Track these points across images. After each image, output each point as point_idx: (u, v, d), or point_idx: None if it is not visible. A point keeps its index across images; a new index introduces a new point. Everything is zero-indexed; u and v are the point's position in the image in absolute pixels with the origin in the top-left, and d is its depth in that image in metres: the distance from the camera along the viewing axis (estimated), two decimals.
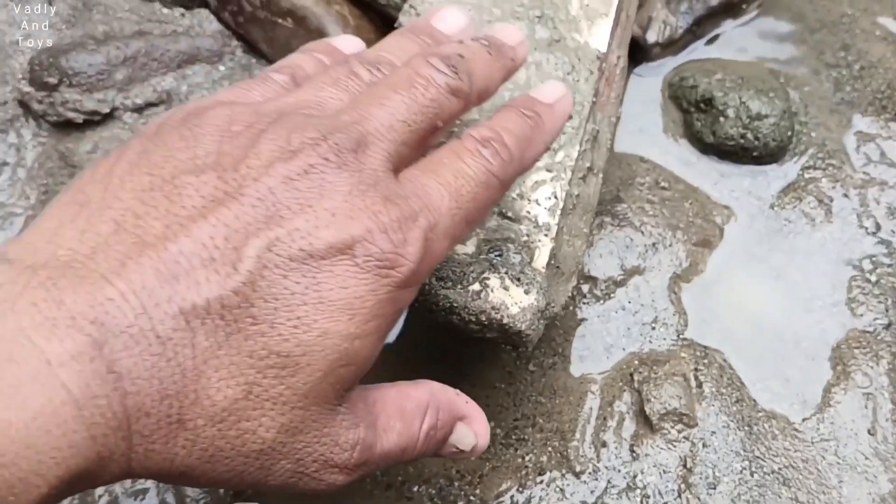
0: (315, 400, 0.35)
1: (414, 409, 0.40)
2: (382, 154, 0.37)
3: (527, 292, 0.48)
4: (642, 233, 0.65)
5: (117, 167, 0.35)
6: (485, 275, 0.48)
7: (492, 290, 0.48)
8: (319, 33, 0.65)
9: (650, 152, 0.69)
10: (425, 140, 0.40)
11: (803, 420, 0.60)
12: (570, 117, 0.51)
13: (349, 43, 0.47)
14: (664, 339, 0.62)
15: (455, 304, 0.48)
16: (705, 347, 0.62)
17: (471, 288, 0.48)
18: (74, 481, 0.30)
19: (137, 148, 0.36)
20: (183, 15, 0.69)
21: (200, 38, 0.69)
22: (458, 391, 0.44)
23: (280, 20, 0.66)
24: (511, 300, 0.48)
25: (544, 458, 0.58)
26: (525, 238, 0.50)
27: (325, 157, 0.35)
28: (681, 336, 0.62)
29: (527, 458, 0.58)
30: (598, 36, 0.57)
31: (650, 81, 0.72)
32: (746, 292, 0.64)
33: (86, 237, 0.32)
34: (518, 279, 0.48)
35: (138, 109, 0.67)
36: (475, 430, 0.44)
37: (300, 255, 0.33)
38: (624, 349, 0.62)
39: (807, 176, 0.68)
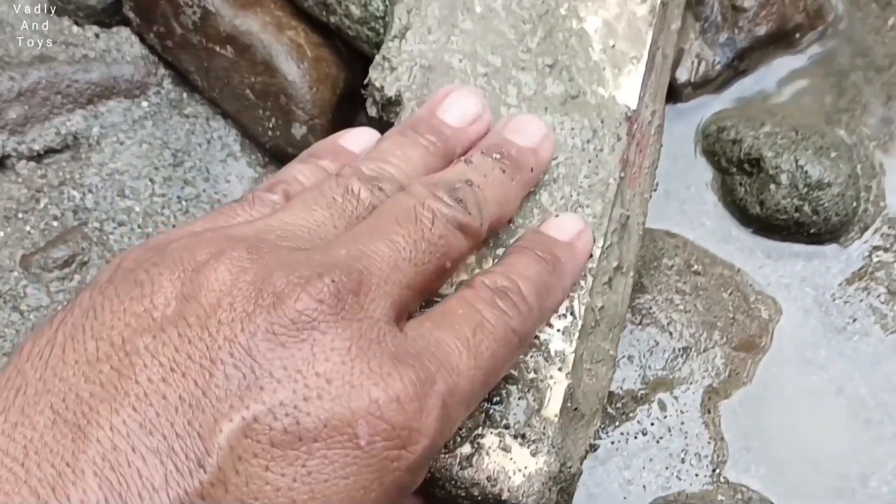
0: None
1: None
2: (386, 300, 0.33)
3: (534, 453, 0.39)
4: (670, 333, 0.54)
5: (60, 332, 0.31)
6: (478, 431, 0.39)
7: (487, 454, 0.39)
8: (266, 67, 0.52)
9: (679, 224, 0.58)
10: (431, 285, 0.36)
11: None
12: (591, 256, 0.43)
13: (360, 140, 0.42)
14: (696, 475, 0.51)
15: (438, 475, 0.39)
16: (748, 488, 0.51)
17: (459, 451, 0.39)
18: None
19: (85, 303, 0.31)
20: (97, 36, 0.56)
21: (118, 65, 0.56)
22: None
23: (218, 48, 0.53)
24: (513, 466, 0.39)
25: None
26: (532, 375, 0.41)
27: (319, 300, 0.31)
28: (717, 472, 0.52)
29: None
30: (627, 88, 0.47)
31: (680, 130, 0.60)
32: (800, 411, 0.53)
33: (18, 433, 0.28)
34: (522, 435, 0.39)
35: (36, 157, 0.55)
36: None
37: (285, 438, 0.29)
38: (644, 488, 0.51)
39: (875, 260, 0.57)
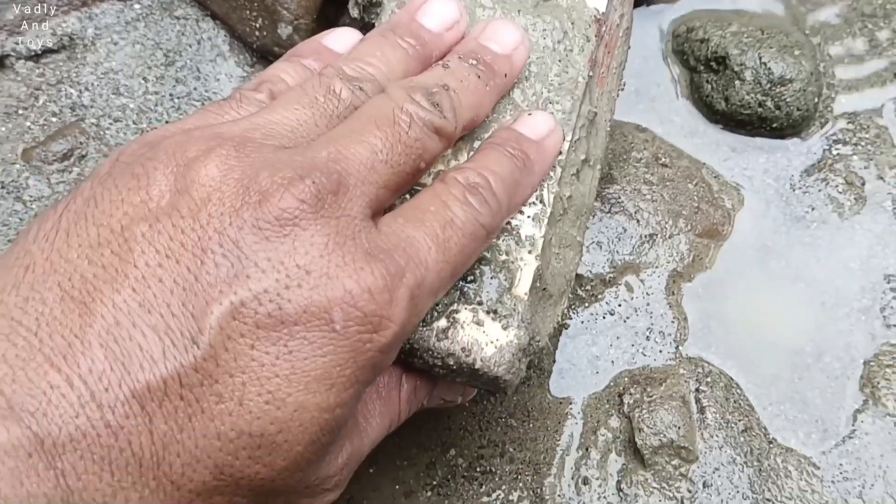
0: (297, 468, 0.33)
1: (388, 379, 0.40)
2: (363, 199, 0.35)
3: (505, 327, 0.41)
4: (637, 221, 0.55)
5: (64, 219, 0.32)
6: (454, 307, 0.41)
7: (462, 327, 0.40)
8: None
9: (648, 119, 0.59)
10: (406, 184, 0.37)
11: (823, 454, 0.52)
12: (560, 153, 0.43)
13: (343, 40, 0.43)
14: (660, 351, 0.53)
15: (416, 346, 0.40)
16: (708, 363, 0.53)
17: (436, 325, 0.40)
18: None
19: (86, 193, 0.33)
20: None
21: None
22: None
23: None
24: (485, 338, 0.40)
25: (514, 496, 0.50)
26: (504, 257, 0.42)
27: (301, 200, 0.32)
28: (680, 348, 0.54)
29: (494, 496, 0.50)
30: None
31: (650, 30, 0.61)
32: (759, 295, 0.55)
33: (30, 307, 0.30)
34: (494, 311, 0.41)
35: (34, 57, 0.56)
36: None
37: (269, 321, 0.31)
38: (612, 363, 0.53)
39: (834, 152, 0.59)
